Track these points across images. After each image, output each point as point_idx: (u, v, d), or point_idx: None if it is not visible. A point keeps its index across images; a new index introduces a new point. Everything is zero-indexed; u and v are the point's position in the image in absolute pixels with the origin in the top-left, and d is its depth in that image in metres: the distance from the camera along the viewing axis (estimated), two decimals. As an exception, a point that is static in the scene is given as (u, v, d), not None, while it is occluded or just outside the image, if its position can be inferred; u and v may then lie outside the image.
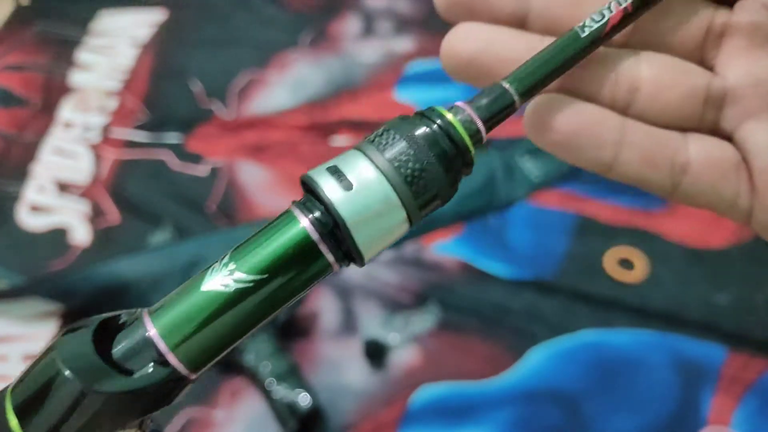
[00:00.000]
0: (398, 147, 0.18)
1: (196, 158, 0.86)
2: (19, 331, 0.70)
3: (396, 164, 0.17)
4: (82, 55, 1.00)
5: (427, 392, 0.62)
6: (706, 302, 0.66)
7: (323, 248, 0.16)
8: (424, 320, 0.66)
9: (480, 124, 0.17)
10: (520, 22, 0.16)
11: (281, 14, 1.06)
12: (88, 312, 0.66)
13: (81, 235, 0.78)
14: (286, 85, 0.95)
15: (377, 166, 0.17)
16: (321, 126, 0.87)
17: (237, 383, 0.64)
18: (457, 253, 0.72)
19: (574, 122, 0.16)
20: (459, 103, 0.17)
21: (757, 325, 0.63)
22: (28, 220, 0.80)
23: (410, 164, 0.17)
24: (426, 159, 0.16)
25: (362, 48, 0.99)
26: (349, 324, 0.67)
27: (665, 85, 0.16)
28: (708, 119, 0.16)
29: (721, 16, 0.16)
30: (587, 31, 0.16)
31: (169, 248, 0.70)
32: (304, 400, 0.59)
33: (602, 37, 0.16)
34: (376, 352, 0.64)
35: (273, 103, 0.92)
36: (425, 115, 0.18)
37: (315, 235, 0.16)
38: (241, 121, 0.89)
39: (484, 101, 0.17)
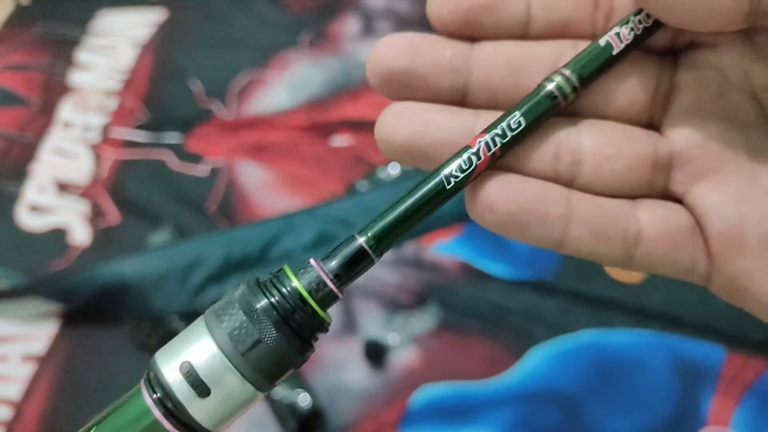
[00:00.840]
0: (237, 320, 0.18)
1: (195, 158, 0.85)
2: (19, 332, 0.69)
3: (234, 339, 0.17)
4: (82, 55, 1.00)
5: (427, 392, 0.61)
6: (704, 302, 0.65)
7: (168, 426, 0.17)
8: (424, 320, 0.66)
9: (332, 285, 0.17)
10: (460, 96, 0.16)
11: (281, 15, 1.05)
12: (89, 312, 0.66)
13: (81, 235, 0.78)
14: (285, 85, 0.95)
15: (216, 342, 0.18)
16: (321, 126, 0.87)
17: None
18: (457, 253, 0.72)
19: (517, 199, 0.15)
20: (312, 262, 0.17)
21: (756, 325, 0.63)
22: (27, 220, 0.80)
23: (248, 338, 0.17)
24: (266, 332, 0.17)
25: (362, 48, 0.98)
26: (348, 324, 0.67)
27: (608, 155, 0.15)
28: (657, 184, 0.16)
29: (666, 74, 0.16)
30: (453, 182, 0.15)
31: (169, 248, 0.70)
32: (303, 400, 0.59)
33: (469, 181, 0.15)
34: (376, 353, 0.64)
35: (273, 103, 0.92)
36: (272, 282, 0.18)
37: (157, 413, 0.18)
38: (240, 121, 0.89)
39: (336, 260, 0.17)
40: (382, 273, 0.70)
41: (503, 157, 0.15)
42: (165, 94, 0.94)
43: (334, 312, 0.66)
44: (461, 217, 0.76)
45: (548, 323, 0.65)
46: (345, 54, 0.98)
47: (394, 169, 0.80)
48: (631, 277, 0.68)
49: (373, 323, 0.66)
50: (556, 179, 0.15)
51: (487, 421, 0.59)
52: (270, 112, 0.91)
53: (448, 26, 0.16)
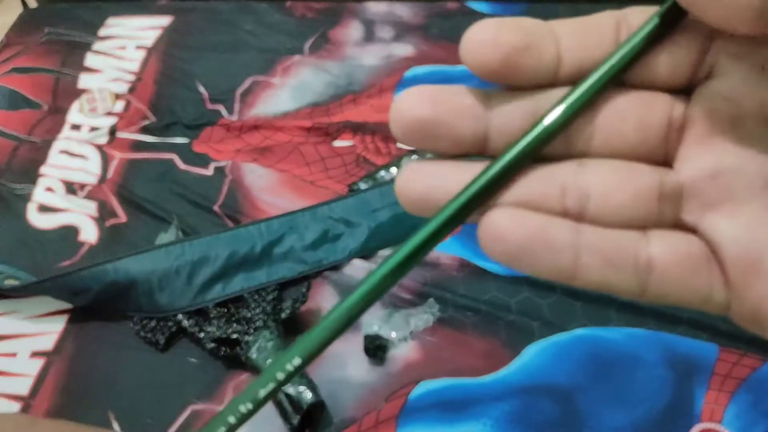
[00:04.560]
0: None
1: (201, 160, 0.85)
2: (28, 329, 0.69)
3: None
4: (90, 58, 0.99)
5: (426, 387, 0.61)
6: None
7: None
8: (423, 317, 0.65)
9: None
10: (481, 142, 0.16)
11: (285, 20, 1.05)
12: (97, 310, 0.65)
13: (89, 234, 0.77)
14: (289, 89, 0.94)
15: None
16: (323, 128, 0.86)
17: (241, 379, 0.63)
18: (455, 251, 0.71)
19: (526, 229, 0.15)
20: None
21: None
22: (37, 219, 0.79)
23: None
24: None
25: (363, 53, 0.98)
26: (350, 321, 0.66)
27: (613, 188, 0.15)
28: (667, 215, 0.15)
29: (679, 107, 0.15)
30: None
31: (175, 247, 0.69)
32: (306, 394, 0.58)
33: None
34: (376, 348, 0.63)
35: (277, 106, 0.91)
36: None
37: None
38: (245, 123, 0.88)
39: None
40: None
41: (509, 196, 0.15)
42: (172, 96, 0.93)
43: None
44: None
45: (545, 319, 0.64)
46: (347, 59, 0.97)
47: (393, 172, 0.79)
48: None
49: (373, 320, 0.65)
50: (564, 215, 0.15)
51: (485, 414, 0.58)
52: (274, 115, 0.90)
53: (485, 67, 0.15)
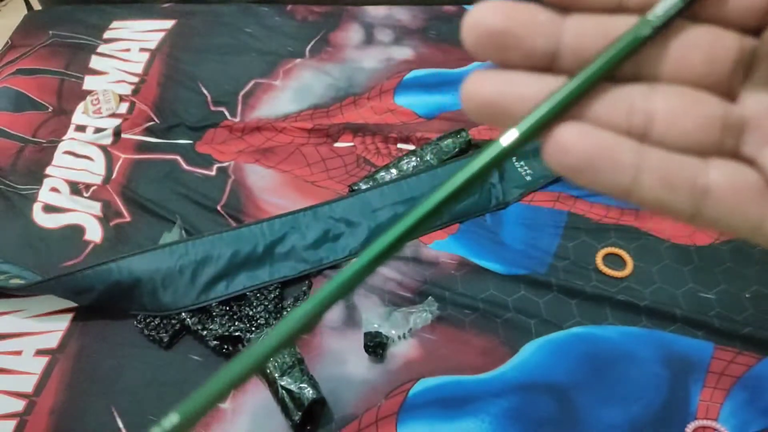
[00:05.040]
0: None
1: (204, 160, 0.85)
2: (33, 327, 0.69)
3: None
4: (95, 60, 1.00)
5: (425, 384, 0.61)
6: (694, 298, 0.65)
7: None
8: (423, 315, 0.66)
9: None
10: (550, 59, 0.16)
11: (286, 24, 1.05)
12: (101, 308, 0.65)
13: (94, 234, 0.77)
14: (291, 91, 0.94)
15: None
16: (324, 130, 0.87)
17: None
18: (454, 250, 0.71)
19: (591, 144, 0.15)
20: None
21: (744, 320, 0.63)
22: (42, 219, 0.79)
23: None
24: None
25: (363, 56, 0.98)
26: (351, 319, 0.67)
27: (680, 113, 0.16)
28: (728, 146, 0.16)
29: (748, 45, 0.16)
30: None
31: (179, 247, 0.70)
32: (308, 391, 0.58)
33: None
34: (376, 346, 0.63)
35: (278, 108, 0.92)
36: None
37: None
38: (247, 125, 0.89)
39: None
40: (383, 270, 0.70)
41: (582, 110, 0.16)
42: (175, 98, 0.93)
43: (336, 307, 0.65)
44: (458, 217, 0.76)
45: (542, 318, 0.65)
46: (347, 61, 0.98)
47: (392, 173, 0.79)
48: (622, 273, 0.68)
49: (374, 318, 0.65)
50: (628, 133, 0.16)
51: (484, 411, 0.58)
52: (276, 116, 0.91)
53: None
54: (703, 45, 0.16)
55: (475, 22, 0.15)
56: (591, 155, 0.15)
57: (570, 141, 0.15)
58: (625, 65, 0.16)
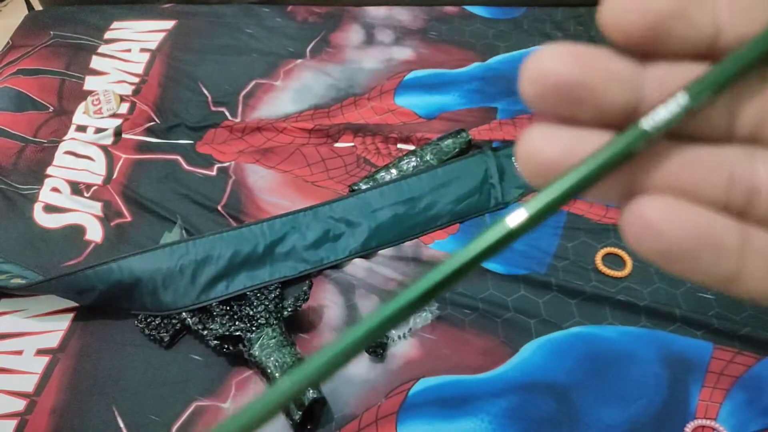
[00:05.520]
0: None
1: (205, 161, 0.85)
2: (34, 327, 0.69)
3: None
4: (95, 60, 1.00)
5: (425, 384, 0.61)
6: (693, 298, 0.65)
7: None
8: (423, 315, 0.66)
9: None
10: (628, 116, 0.13)
11: (287, 24, 1.05)
12: (102, 308, 0.65)
13: (95, 233, 0.77)
14: (291, 92, 0.94)
15: None
16: (325, 130, 0.87)
17: (244, 375, 0.63)
18: (453, 249, 0.71)
19: (689, 225, 0.12)
20: None
21: (743, 320, 0.63)
22: (43, 219, 0.79)
23: None
24: None
25: (364, 56, 0.98)
26: (351, 318, 0.66)
27: None
28: None
29: None
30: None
31: (180, 247, 0.70)
32: (308, 391, 0.58)
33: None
34: (377, 346, 0.63)
35: (279, 108, 0.92)
36: None
37: None
38: (248, 125, 0.89)
39: None
40: (383, 269, 0.70)
41: (660, 178, 0.13)
42: (176, 99, 0.93)
43: (337, 306, 0.65)
44: (458, 217, 0.76)
45: (542, 318, 0.65)
46: (348, 62, 0.98)
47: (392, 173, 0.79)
48: (622, 273, 0.68)
49: (374, 318, 0.65)
50: (725, 208, 0.13)
51: (483, 410, 0.58)
52: (276, 117, 0.90)
53: (630, 35, 0.12)
54: None
55: (539, 70, 0.13)
56: (689, 239, 0.12)
57: (663, 221, 0.12)
58: (717, 120, 0.13)
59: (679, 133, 0.13)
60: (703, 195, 0.13)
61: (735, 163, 0.13)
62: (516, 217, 0.13)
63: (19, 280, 0.69)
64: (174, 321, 0.66)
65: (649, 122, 0.13)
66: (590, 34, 0.96)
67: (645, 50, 0.13)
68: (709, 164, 0.13)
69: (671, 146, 0.13)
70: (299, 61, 0.98)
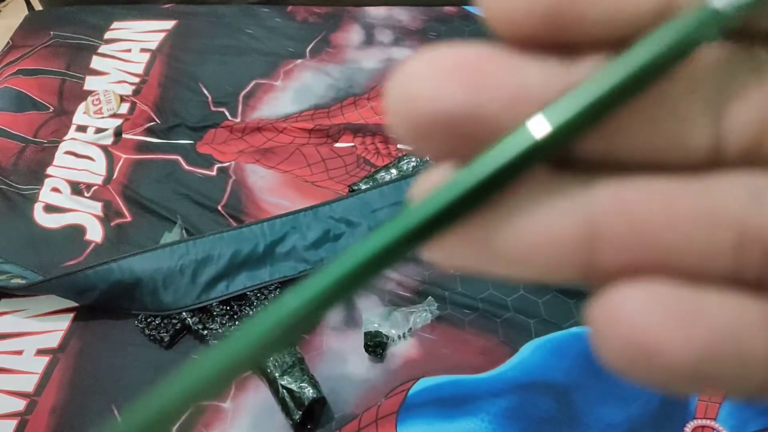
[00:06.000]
0: None
1: (205, 161, 0.85)
2: (34, 327, 0.69)
3: None
4: (95, 60, 1.00)
5: (425, 383, 0.61)
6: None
7: None
8: (422, 315, 0.66)
9: None
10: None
11: (287, 24, 1.05)
12: (102, 308, 0.65)
13: (95, 233, 0.77)
14: (291, 92, 0.94)
15: None
16: (325, 130, 0.87)
17: (243, 375, 0.63)
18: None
19: (699, 336, 0.08)
20: None
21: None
22: (44, 219, 0.79)
23: None
24: None
25: (364, 56, 0.98)
26: (351, 318, 0.66)
27: None
28: None
29: None
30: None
31: (180, 247, 0.70)
32: (308, 391, 0.58)
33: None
34: (376, 345, 0.63)
35: (279, 108, 0.92)
36: None
37: None
38: (248, 125, 0.89)
39: None
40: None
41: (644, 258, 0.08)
42: (176, 99, 0.93)
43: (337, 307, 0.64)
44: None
45: (541, 317, 0.65)
46: (347, 62, 0.98)
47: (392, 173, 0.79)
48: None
49: (374, 317, 0.65)
50: (736, 282, 0.08)
51: (483, 410, 0.58)
52: (276, 116, 0.90)
53: (520, 29, 0.08)
54: None
55: (409, 96, 0.08)
56: (702, 355, 0.08)
57: (659, 333, 0.08)
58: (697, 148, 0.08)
59: (646, 160, 0.08)
60: (704, 269, 0.08)
61: (738, 206, 0.08)
62: (538, 125, 0.08)
63: (19, 280, 0.69)
64: (174, 321, 0.66)
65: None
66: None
67: (545, 45, 0.08)
68: (708, 220, 0.08)
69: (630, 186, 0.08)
70: (299, 61, 0.98)
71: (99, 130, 0.89)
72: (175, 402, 0.10)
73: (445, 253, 0.09)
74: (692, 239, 0.08)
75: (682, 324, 0.08)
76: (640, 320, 0.08)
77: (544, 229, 0.08)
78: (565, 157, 0.09)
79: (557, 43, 0.08)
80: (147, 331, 0.66)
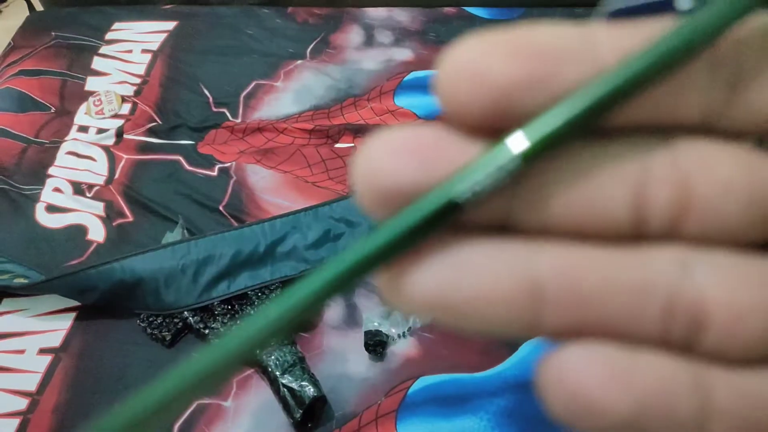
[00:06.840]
0: None
1: (206, 161, 0.85)
2: (36, 326, 0.69)
3: None
4: (97, 61, 0.99)
5: (425, 382, 0.61)
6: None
7: None
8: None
9: None
10: (502, 218, 0.10)
11: (287, 25, 1.05)
12: (104, 307, 0.65)
13: (97, 233, 0.77)
14: (292, 93, 0.94)
15: None
16: (325, 131, 0.87)
17: (245, 374, 0.63)
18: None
19: (632, 391, 0.09)
20: None
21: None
22: (45, 219, 0.79)
23: None
24: None
25: (364, 57, 0.98)
26: (351, 318, 0.66)
27: (745, 310, 0.09)
28: None
29: None
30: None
31: (181, 246, 0.70)
32: (309, 389, 0.58)
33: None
34: (377, 344, 0.63)
35: (279, 109, 0.92)
36: None
37: None
38: (249, 126, 0.89)
39: None
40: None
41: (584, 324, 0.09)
42: (177, 99, 0.93)
43: (337, 306, 0.65)
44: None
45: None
46: (348, 63, 0.98)
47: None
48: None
49: (373, 316, 0.65)
50: (666, 345, 0.09)
51: (483, 409, 0.58)
52: (276, 117, 0.90)
53: (470, 113, 0.09)
54: (737, 181, 0.09)
55: (371, 172, 0.09)
56: (636, 409, 0.09)
57: (595, 387, 0.09)
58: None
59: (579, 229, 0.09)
60: (636, 332, 0.09)
61: (669, 275, 0.09)
62: (516, 141, 0.09)
63: (21, 280, 0.69)
64: (176, 320, 0.66)
65: None
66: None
67: (493, 129, 0.09)
68: (639, 287, 0.09)
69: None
70: (299, 62, 0.98)
71: (100, 131, 0.89)
72: (159, 401, 0.10)
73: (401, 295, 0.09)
74: (627, 307, 0.09)
75: (618, 383, 0.09)
76: (583, 380, 0.09)
77: (491, 283, 0.09)
78: (503, 220, 0.09)
79: (502, 127, 0.09)
80: (149, 331, 0.66)
